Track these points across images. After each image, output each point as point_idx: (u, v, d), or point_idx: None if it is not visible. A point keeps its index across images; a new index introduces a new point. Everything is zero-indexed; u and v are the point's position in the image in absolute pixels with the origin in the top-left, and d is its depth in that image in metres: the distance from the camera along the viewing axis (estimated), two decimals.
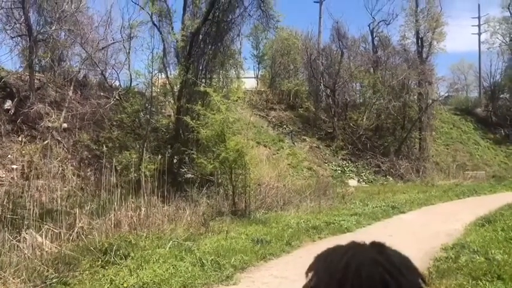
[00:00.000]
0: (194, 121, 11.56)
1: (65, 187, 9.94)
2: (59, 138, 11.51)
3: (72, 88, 12.94)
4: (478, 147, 29.18)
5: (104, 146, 12.12)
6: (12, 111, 11.17)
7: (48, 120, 11.57)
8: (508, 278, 5.64)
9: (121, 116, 13.57)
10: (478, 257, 6.71)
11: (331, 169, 20.21)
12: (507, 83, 33.13)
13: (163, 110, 15.14)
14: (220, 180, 12.25)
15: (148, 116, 13.14)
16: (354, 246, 0.88)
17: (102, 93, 14.03)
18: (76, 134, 12.04)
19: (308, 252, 7.61)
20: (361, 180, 20.07)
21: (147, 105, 13.85)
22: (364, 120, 24.36)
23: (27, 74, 12.16)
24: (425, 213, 12.06)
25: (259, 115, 21.84)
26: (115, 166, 10.66)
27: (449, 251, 7.30)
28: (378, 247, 0.88)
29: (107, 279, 5.50)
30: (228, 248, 7.29)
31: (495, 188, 19.65)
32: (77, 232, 7.03)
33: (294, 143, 20.87)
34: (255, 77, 27.90)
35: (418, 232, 9.25)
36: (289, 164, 17.30)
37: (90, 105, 12.84)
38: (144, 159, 11.34)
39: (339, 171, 20.19)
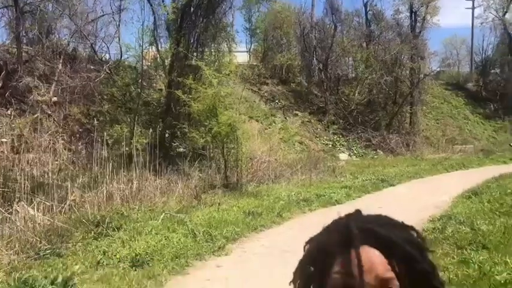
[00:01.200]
0: (186, 95, 11.50)
1: (56, 161, 9.91)
2: (49, 112, 11.41)
3: (61, 61, 12.74)
4: (468, 121, 29.43)
5: (95, 120, 12.04)
6: (0, 84, 11.01)
7: (38, 94, 11.44)
8: (493, 247, 5.81)
9: (111, 90, 13.45)
10: (464, 228, 6.89)
11: (323, 143, 20.32)
12: (498, 58, 33.17)
13: (154, 84, 15.01)
14: (212, 154, 12.28)
15: (139, 90, 13.03)
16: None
17: (92, 67, 13.83)
18: (66, 108, 11.93)
19: (298, 224, 7.76)
20: (351, 154, 20.24)
21: (137, 78, 13.72)
22: (356, 94, 24.36)
23: (15, 46, 11.94)
24: (414, 186, 12.27)
25: (251, 90, 21.72)
26: (106, 140, 10.62)
27: (436, 222, 7.47)
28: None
29: (99, 251, 5.58)
30: (220, 219, 7.39)
31: (483, 161, 19.93)
32: (68, 205, 7.06)
33: (286, 118, 20.88)
34: (247, 51, 27.60)
35: (407, 204, 9.42)
36: (281, 139, 17.35)
37: (80, 78, 12.68)
38: (136, 133, 11.30)
39: (330, 145, 20.33)
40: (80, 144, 11.30)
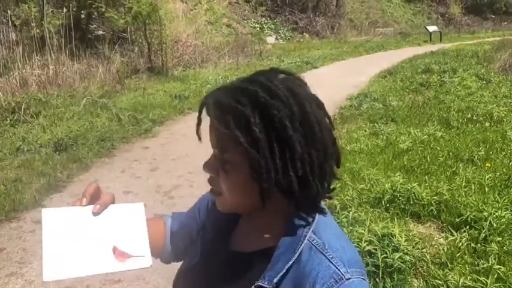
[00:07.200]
0: None
1: None
2: None
3: None
4: (390, 4, 30.03)
5: None
6: None
7: None
8: (400, 120, 6.43)
9: None
10: (377, 104, 7.48)
11: (250, 26, 19.90)
12: None
13: None
14: (134, 37, 11.66)
15: None
16: None
17: None
18: None
19: None
20: (278, 37, 20.16)
21: None
22: None
23: None
24: (336, 68, 12.72)
25: None
26: (12, 21, 9.61)
27: (353, 100, 7.98)
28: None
29: (18, 137, 5.39)
30: (145, 103, 7.33)
31: (400, 44, 20.87)
32: None
33: None
34: None
35: (328, 85, 9.81)
36: (207, 21, 16.69)
37: None
38: (47, 13, 10.26)
39: (258, 29, 19.99)
40: None
